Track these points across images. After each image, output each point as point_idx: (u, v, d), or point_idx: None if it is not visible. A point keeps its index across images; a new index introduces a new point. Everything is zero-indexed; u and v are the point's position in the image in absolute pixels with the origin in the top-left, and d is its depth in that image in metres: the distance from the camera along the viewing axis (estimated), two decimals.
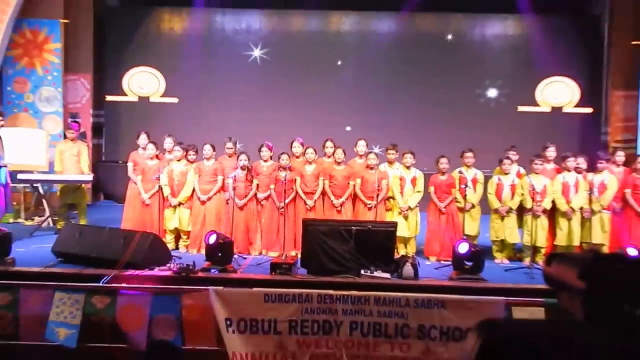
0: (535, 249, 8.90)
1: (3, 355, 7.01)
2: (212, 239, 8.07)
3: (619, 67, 12.53)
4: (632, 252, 8.26)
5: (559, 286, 1.45)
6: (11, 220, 10.25)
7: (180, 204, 9.36)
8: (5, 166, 9.34)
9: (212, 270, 7.91)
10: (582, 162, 9.10)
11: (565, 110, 13.60)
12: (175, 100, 13.48)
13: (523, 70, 13.78)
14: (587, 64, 13.58)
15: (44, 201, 10.63)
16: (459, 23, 14.14)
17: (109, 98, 13.72)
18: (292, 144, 9.64)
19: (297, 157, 9.50)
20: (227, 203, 9.22)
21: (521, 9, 13.72)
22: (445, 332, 7.34)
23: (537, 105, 13.64)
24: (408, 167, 9.30)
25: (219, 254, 8.04)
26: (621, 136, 12.27)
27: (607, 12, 13.11)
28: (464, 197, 8.98)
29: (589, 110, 13.45)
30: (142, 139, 9.80)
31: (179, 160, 9.46)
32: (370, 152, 9.46)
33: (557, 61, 13.59)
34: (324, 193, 9.30)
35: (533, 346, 1.18)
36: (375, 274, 7.80)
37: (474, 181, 9.21)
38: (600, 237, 8.94)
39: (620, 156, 9.49)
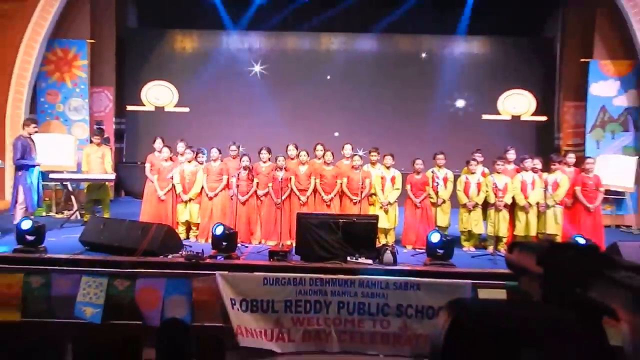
0: (497, 239, 8.97)
1: (37, 332, 7.08)
2: (219, 230, 8.15)
3: (569, 81, 12.58)
4: (581, 241, 8.37)
5: (520, 271, 1.43)
6: (44, 214, 10.27)
7: (190, 199, 9.39)
8: (38, 165, 9.39)
9: (218, 257, 7.93)
10: (537, 163, 9.15)
11: (523, 118, 13.64)
12: (186, 109, 13.49)
13: (487, 84, 13.79)
14: (542, 79, 13.62)
15: (72, 197, 10.63)
16: (432, 43, 14.17)
17: (129, 108, 13.69)
18: (287, 147, 9.63)
19: (292, 158, 9.51)
20: (231, 199, 9.25)
21: (487, 32, 13.88)
22: (420, 310, 7.40)
23: (499, 114, 13.67)
24: (388, 168, 9.35)
25: (224, 243, 8.05)
26: (571, 141, 12.30)
27: (559, 34, 13.16)
28: (436, 193, 9.06)
29: (543, 118, 13.49)
30: (158, 143, 9.81)
31: (189, 162, 9.49)
32: (355, 155, 9.47)
33: (516, 76, 13.65)
34: (315, 190, 9.32)
35: (497, 322, 1.14)
36: (360, 260, 7.85)
37: (445, 180, 9.24)
38: (554, 228, 9.00)
39: (571, 158, 9.57)
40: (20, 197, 9.11)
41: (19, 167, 9.20)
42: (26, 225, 8.15)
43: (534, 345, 1.08)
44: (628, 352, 0.99)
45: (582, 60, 11.92)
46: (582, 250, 1.33)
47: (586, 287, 1.16)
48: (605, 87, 11.59)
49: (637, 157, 11.16)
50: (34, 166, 9.27)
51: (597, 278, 1.16)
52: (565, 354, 1.10)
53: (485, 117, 13.60)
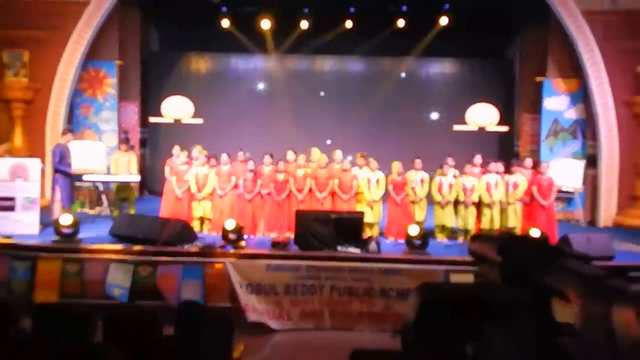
0: (466, 231, 9.03)
1: (72, 310, 7.09)
2: (231, 225, 8.15)
3: (527, 96, 12.61)
4: (536, 232, 8.38)
5: (481, 259, 1.45)
6: (78, 210, 10.22)
7: (203, 198, 9.37)
8: (72, 173, 9.34)
9: (227, 247, 7.94)
10: (500, 167, 9.22)
11: (487, 128, 13.58)
12: (200, 121, 13.41)
13: (456, 99, 13.69)
14: (503, 94, 13.60)
15: (103, 196, 10.62)
16: (410, 64, 14.13)
17: (151, 120, 13.63)
18: (287, 153, 9.61)
19: (291, 163, 9.49)
20: (239, 197, 9.25)
21: (456, 55, 13.91)
22: (400, 292, 7.42)
23: (467, 124, 13.66)
24: (373, 170, 9.34)
25: (233, 235, 8.11)
26: (529, 148, 12.34)
27: (517, 56, 13.21)
28: (414, 192, 9.13)
29: (505, 128, 13.47)
30: (176, 150, 9.77)
31: (202, 166, 9.48)
32: (345, 159, 9.57)
33: (481, 92, 13.56)
34: (310, 190, 9.30)
35: (460, 301, 1.17)
36: (349, 249, 7.89)
37: (422, 181, 9.24)
38: (514, 222, 9.03)
39: (528, 162, 9.59)
40: (57, 196, 9.10)
41: (57, 170, 9.20)
42: (64, 219, 8.16)
43: (493, 320, 1.08)
44: (578, 327, 1.00)
45: (537, 78, 11.98)
46: (536, 242, 1.31)
47: (541, 274, 1.17)
48: (557, 102, 11.66)
49: (584, 161, 11.23)
50: (69, 170, 9.26)
51: (551, 266, 1.17)
52: (519, 327, 1.11)
53: (455, 127, 13.56)
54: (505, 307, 1.13)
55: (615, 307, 0.87)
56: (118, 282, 7.47)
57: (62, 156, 9.18)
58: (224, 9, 13.46)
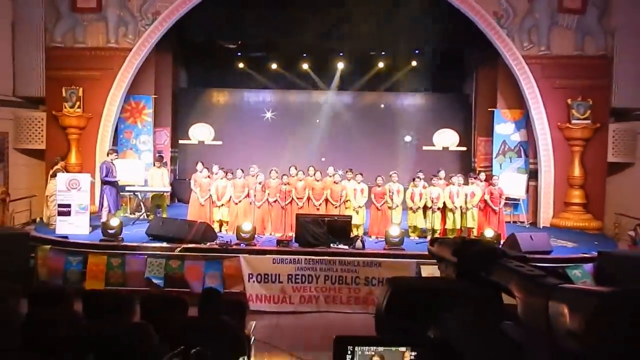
0: (433, 231, 8.99)
1: (115, 295, 7.05)
2: (247, 227, 8.14)
3: (481, 123, 12.62)
4: (489, 232, 8.39)
5: (439, 259, 1.43)
6: (121, 215, 10.19)
7: (222, 204, 9.34)
8: (117, 181, 9.36)
9: (241, 245, 7.96)
10: (460, 179, 9.25)
11: (450, 149, 13.72)
12: (220, 142, 13.48)
13: (425, 125, 13.80)
14: (462, 121, 13.63)
15: (141, 203, 10.60)
16: (388, 98, 14.20)
17: (180, 142, 13.66)
18: (289, 168, 9.61)
19: (293, 176, 9.47)
20: (251, 204, 9.21)
21: (425, 90, 14.00)
22: (381, 281, 7.42)
23: (434, 145, 13.76)
24: (359, 183, 9.33)
25: (245, 235, 8.11)
26: (483, 164, 12.28)
27: (473, 91, 13.24)
28: (392, 200, 9.10)
29: (464, 148, 13.57)
30: (199, 166, 9.74)
31: (221, 179, 9.45)
32: (336, 173, 9.53)
33: (445, 120, 13.72)
34: (308, 198, 9.29)
35: (422, 292, 1.16)
36: (339, 246, 7.91)
37: (397, 191, 9.21)
38: (472, 223, 9.04)
39: (482, 176, 9.64)
40: (105, 203, 9.09)
41: (104, 182, 9.19)
42: (109, 222, 8.14)
43: (448, 307, 1.08)
44: (520, 317, 0.99)
45: (489, 109, 12.00)
46: (484, 245, 1.29)
47: (488, 273, 1.15)
48: (505, 128, 11.68)
49: (527, 175, 11.26)
50: (114, 182, 9.25)
51: (495, 266, 1.15)
52: (471, 315, 1.09)
53: (424, 148, 13.65)
54: (459, 298, 1.12)
55: (550, 302, 0.87)
56: (154, 273, 7.45)
57: (108, 171, 9.21)
58: (239, 53, 13.56)
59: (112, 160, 9.47)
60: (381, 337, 1.11)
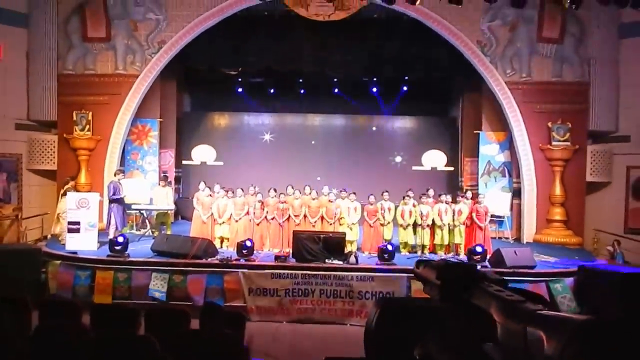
0: (423, 247, 9.05)
1: (121, 308, 7.05)
2: (248, 243, 8.16)
3: (467, 144, 12.68)
4: (478, 248, 8.37)
5: (424, 281, 1.46)
6: (128, 231, 10.20)
7: (223, 222, 9.36)
8: (122, 198, 9.41)
9: (241, 260, 7.96)
10: (448, 198, 9.30)
11: (438, 168, 13.75)
12: (221, 163, 13.52)
13: (415, 146, 13.90)
14: (449, 143, 13.71)
15: (146, 220, 10.61)
16: (379, 121, 14.31)
17: (184, 162, 13.70)
18: (287, 187, 9.64)
19: (290, 195, 9.50)
20: (250, 221, 9.22)
21: (414, 114, 14.12)
22: (374, 294, 7.46)
23: (422, 165, 13.79)
24: (352, 201, 9.37)
25: (245, 251, 8.14)
26: (469, 183, 12.33)
27: (460, 115, 13.32)
28: (384, 217, 9.16)
29: (451, 168, 13.58)
30: (202, 185, 9.80)
31: (222, 197, 9.49)
32: (330, 192, 9.57)
33: (433, 141, 13.81)
34: (305, 216, 9.32)
35: (409, 311, 1.18)
36: (334, 261, 7.92)
37: (389, 209, 9.26)
38: (459, 239, 9.07)
39: (469, 194, 9.65)
40: (112, 221, 9.12)
41: (111, 201, 9.23)
42: (116, 239, 8.17)
43: (433, 327, 1.11)
44: (500, 339, 1.02)
45: (475, 131, 12.10)
46: (465, 269, 1.34)
47: (470, 295, 1.19)
48: (490, 149, 11.77)
49: (511, 193, 11.35)
50: (121, 200, 9.30)
51: (476, 289, 1.17)
52: (454, 335, 1.13)
53: (414, 168, 13.70)
54: (443, 319, 1.17)
55: (528, 328, 0.91)
56: (157, 287, 7.46)
57: (115, 190, 9.28)
58: (240, 79, 13.71)
59: (119, 180, 9.54)
60: (368, 358, 1.15)
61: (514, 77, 10.83)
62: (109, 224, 9.17)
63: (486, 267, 7.95)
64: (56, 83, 10.81)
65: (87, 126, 10.71)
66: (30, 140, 10.92)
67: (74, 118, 10.71)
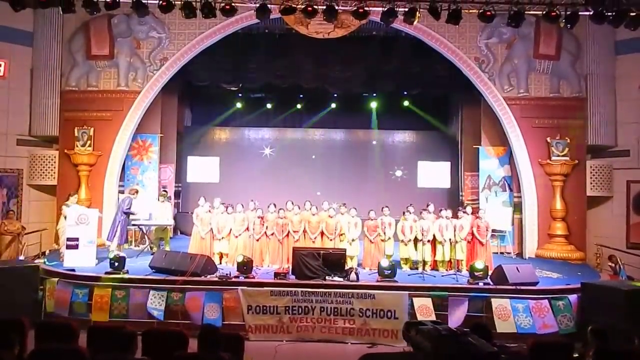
0: (424, 262, 8.90)
1: (118, 330, 6.91)
2: (240, 259, 8.04)
3: (467, 159, 12.64)
4: (479, 264, 8.17)
5: (416, 347, 1.41)
6: (126, 247, 10.08)
7: (222, 238, 9.25)
8: (132, 213, 9.43)
9: (240, 277, 7.84)
10: (449, 213, 9.17)
11: (439, 184, 13.69)
12: (216, 180, 13.39)
13: (415, 160, 13.86)
14: (450, 157, 13.68)
15: (145, 236, 10.50)
16: (379, 135, 14.24)
17: (188, 179, 13.67)
18: (286, 203, 9.53)
19: (289, 210, 9.39)
20: (250, 237, 9.10)
21: (414, 128, 14.05)
22: (375, 312, 7.34)
23: (422, 180, 13.71)
24: (353, 216, 9.25)
25: (244, 267, 8.00)
26: (470, 198, 12.28)
27: (459, 130, 13.28)
28: (384, 232, 9.06)
29: (448, 186, 13.54)
30: (201, 200, 9.71)
31: (222, 213, 9.39)
32: (330, 207, 9.46)
33: (433, 156, 13.80)
34: (304, 231, 9.20)
35: None
36: (334, 278, 7.78)
37: (389, 224, 9.14)
38: (461, 255, 8.92)
39: (469, 209, 9.51)
40: (118, 232, 9.23)
41: (123, 213, 9.38)
42: (114, 256, 8.05)
43: None
44: None
45: (474, 146, 12.07)
46: (461, 342, 1.26)
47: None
48: (490, 164, 11.72)
49: (512, 208, 11.26)
50: (130, 214, 9.45)
51: (463, 356, 1.14)
52: None
53: (419, 185, 13.59)
54: None
55: None
56: (155, 305, 7.32)
57: (130, 204, 9.45)
58: (240, 94, 13.72)
59: (134, 197, 9.73)
60: None
61: (511, 92, 10.83)
62: (114, 235, 9.16)
63: (488, 284, 7.83)
64: (59, 99, 10.82)
65: (89, 142, 10.69)
66: (31, 155, 10.88)
67: (76, 134, 10.70)
